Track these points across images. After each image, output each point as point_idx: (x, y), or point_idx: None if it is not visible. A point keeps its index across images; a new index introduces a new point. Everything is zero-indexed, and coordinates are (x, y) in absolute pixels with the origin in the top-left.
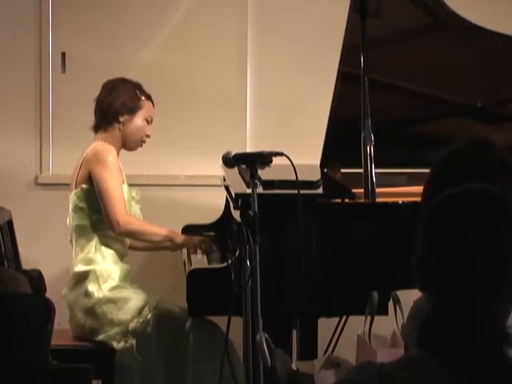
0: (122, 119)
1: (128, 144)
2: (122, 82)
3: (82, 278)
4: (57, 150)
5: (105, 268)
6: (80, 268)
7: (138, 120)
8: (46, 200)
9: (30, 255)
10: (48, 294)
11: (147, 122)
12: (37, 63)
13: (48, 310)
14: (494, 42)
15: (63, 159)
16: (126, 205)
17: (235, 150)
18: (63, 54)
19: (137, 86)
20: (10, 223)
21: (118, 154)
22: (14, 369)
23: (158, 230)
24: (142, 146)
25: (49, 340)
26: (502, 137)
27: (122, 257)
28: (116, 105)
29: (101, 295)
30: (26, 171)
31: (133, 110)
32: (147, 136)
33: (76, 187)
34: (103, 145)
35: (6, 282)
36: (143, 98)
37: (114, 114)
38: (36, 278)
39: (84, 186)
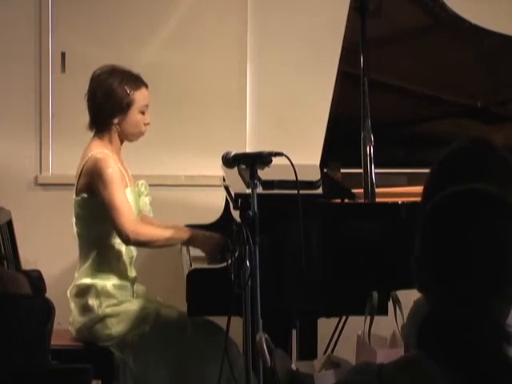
0: (115, 121)
1: (128, 138)
2: (110, 75)
3: (84, 291)
4: (57, 150)
5: (106, 283)
6: (82, 281)
7: (133, 116)
8: (46, 200)
9: (30, 255)
10: (48, 294)
11: (143, 113)
12: (37, 63)
13: (48, 310)
14: (494, 41)
15: (63, 159)
16: (133, 213)
17: (235, 150)
18: (63, 54)
19: (124, 80)
20: (9, 223)
21: (120, 150)
22: (14, 369)
23: (170, 234)
24: (143, 134)
25: (49, 340)
26: (502, 137)
27: (126, 266)
28: (106, 108)
29: (100, 312)
30: (26, 171)
31: (125, 109)
32: (146, 124)
33: (77, 194)
34: (102, 153)
35: (5, 282)
36: (132, 92)
37: (107, 118)
38: (36, 279)
39: (84, 195)
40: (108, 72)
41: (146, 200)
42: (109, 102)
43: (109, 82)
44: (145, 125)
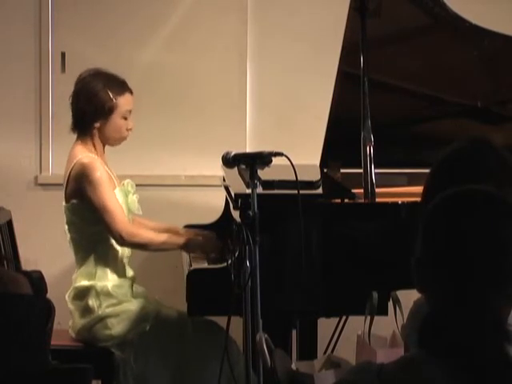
0: (97, 125)
1: (109, 143)
2: (94, 78)
3: (83, 293)
4: (57, 150)
5: (105, 284)
6: (81, 283)
7: (115, 121)
8: (46, 200)
9: (30, 255)
10: (48, 295)
11: (125, 118)
12: (36, 63)
13: (48, 310)
14: (494, 41)
15: (63, 159)
16: (125, 214)
17: (235, 150)
18: (63, 54)
19: (108, 84)
20: (9, 223)
21: (103, 152)
22: (14, 369)
23: (166, 238)
24: (125, 139)
25: (49, 340)
26: (502, 137)
27: (123, 266)
28: (88, 112)
29: (100, 312)
30: (25, 171)
31: (107, 114)
32: (128, 130)
33: (67, 201)
34: (88, 157)
35: (5, 282)
36: (115, 97)
37: (89, 122)
38: (37, 279)
39: (74, 201)
40: (92, 75)
41: (133, 198)
42: (91, 106)
43: (92, 85)
44: (127, 130)
